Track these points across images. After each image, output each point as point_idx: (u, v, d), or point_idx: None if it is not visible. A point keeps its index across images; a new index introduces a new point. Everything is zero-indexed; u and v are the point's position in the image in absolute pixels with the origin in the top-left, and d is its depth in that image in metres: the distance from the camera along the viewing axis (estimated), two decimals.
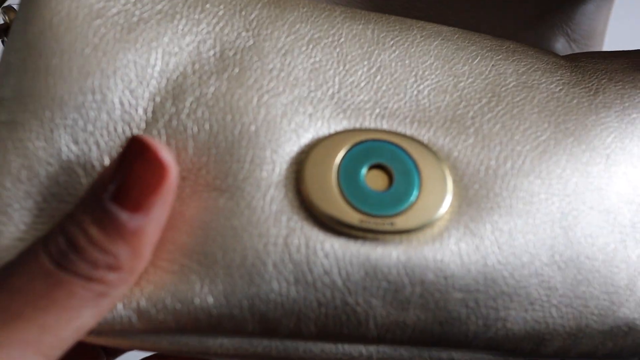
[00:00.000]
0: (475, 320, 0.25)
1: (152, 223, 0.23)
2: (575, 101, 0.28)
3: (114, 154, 0.25)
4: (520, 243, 0.25)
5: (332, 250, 0.24)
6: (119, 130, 0.25)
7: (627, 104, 0.28)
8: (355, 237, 0.24)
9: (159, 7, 0.26)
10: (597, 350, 0.27)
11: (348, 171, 0.25)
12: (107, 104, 0.25)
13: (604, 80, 0.29)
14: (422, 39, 0.28)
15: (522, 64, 0.28)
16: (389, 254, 0.24)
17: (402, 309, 0.25)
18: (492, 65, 0.28)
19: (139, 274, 0.24)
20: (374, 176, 0.25)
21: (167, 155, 0.23)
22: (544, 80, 0.28)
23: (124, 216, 0.22)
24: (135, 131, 0.25)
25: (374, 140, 0.25)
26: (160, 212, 0.23)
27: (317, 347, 0.26)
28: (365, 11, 0.29)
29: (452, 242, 0.25)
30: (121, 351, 0.33)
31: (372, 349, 0.26)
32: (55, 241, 0.23)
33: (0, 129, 0.24)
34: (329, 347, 0.26)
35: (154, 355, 0.32)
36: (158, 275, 0.24)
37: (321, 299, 0.24)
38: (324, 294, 0.24)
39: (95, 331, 0.24)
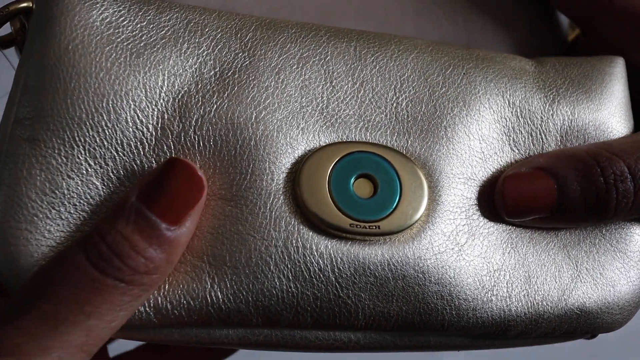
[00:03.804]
0: (449, 310, 0.29)
1: (186, 233, 0.26)
2: (530, 113, 0.32)
3: (128, 167, 0.28)
4: (479, 244, 0.30)
5: (326, 250, 0.28)
6: (132, 145, 0.28)
7: (577, 111, 0.32)
8: (345, 239, 0.28)
9: (163, 32, 0.29)
10: (554, 332, 0.31)
11: (338, 180, 0.28)
12: (121, 123, 0.28)
13: (562, 90, 0.32)
14: (399, 53, 0.31)
15: (491, 70, 0.32)
16: (375, 253, 0.28)
17: (386, 301, 0.28)
18: (464, 74, 0.31)
19: (165, 277, 0.27)
20: (360, 184, 0.28)
21: (202, 174, 0.27)
22: (509, 87, 0.32)
23: (164, 226, 0.25)
24: (146, 146, 0.28)
25: (360, 152, 0.29)
26: (193, 223, 0.26)
27: (311, 334, 0.29)
28: (347, 29, 0.32)
29: (428, 242, 0.29)
30: None
31: (359, 335, 0.30)
32: (98, 248, 0.25)
33: (22, 145, 0.27)
34: (322, 334, 0.29)
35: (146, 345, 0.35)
36: (173, 275, 0.27)
37: (317, 294, 0.28)
38: (319, 288, 0.28)
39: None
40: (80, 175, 0.27)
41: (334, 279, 0.28)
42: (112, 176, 0.28)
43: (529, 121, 0.31)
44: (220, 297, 0.27)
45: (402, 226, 0.28)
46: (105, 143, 0.27)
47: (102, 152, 0.27)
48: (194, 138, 0.28)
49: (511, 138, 0.31)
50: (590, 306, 0.31)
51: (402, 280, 0.28)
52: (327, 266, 0.28)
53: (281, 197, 0.28)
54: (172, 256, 0.26)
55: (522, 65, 0.33)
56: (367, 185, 0.29)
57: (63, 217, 0.27)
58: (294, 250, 0.28)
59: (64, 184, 0.27)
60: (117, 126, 0.28)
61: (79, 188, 0.27)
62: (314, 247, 0.28)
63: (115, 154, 0.28)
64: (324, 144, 0.29)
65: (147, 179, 0.26)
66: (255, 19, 0.31)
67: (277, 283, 0.27)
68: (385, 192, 0.28)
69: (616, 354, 0.53)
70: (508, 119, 0.31)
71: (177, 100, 0.28)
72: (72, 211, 0.27)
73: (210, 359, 0.36)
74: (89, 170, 0.27)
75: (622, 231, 0.32)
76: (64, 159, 0.27)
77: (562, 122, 0.32)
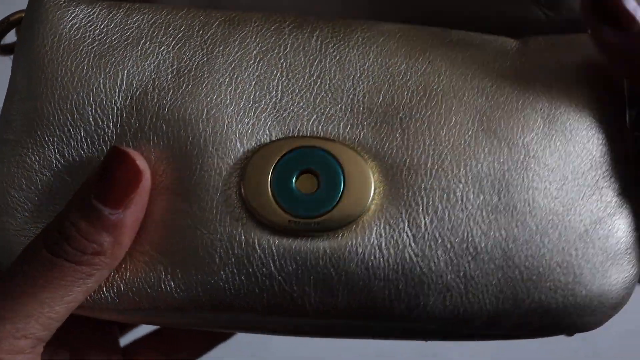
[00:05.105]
0: (398, 305, 0.28)
1: (130, 216, 0.28)
2: (503, 98, 0.29)
3: (94, 162, 0.30)
4: (435, 237, 0.28)
5: (267, 246, 0.28)
6: (95, 142, 0.30)
7: (554, 107, 0.29)
8: (287, 235, 0.28)
9: (127, 34, 0.30)
10: (518, 329, 0.29)
11: (280, 177, 0.28)
12: (84, 122, 0.29)
13: (542, 76, 0.30)
14: (363, 41, 0.30)
15: (460, 57, 0.30)
16: (316, 248, 0.28)
17: (331, 295, 0.28)
18: (429, 62, 0.30)
19: (120, 259, 0.29)
20: (305, 180, 0.28)
21: (142, 161, 0.28)
22: (478, 73, 0.30)
23: (106, 211, 0.27)
24: (108, 143, 0.29)
25: (304, 147, 0.28)
26: (138, 208, 0.28)
27: (272, 319, 0.30)
28: (314, 18, 0.31)
29: (373, 237, 0.28)
30: (132, 326, 0.38)
31: (320, 321, 0.30)
32: (51, 234, 0.28)
33: (6, 147, 0.30)
34: (284, 320, 0.30)
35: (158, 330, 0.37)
36: (133, 264, 0.29)
37: (262, 287, 0.28)
38: (263, 282, 0.28)
39: (87, 307, 0.29)
40: (52, 171, 0.30)
41: (276, 273, 0.28)
42: (80, 171, 0.30)
43: (502, 106, 0.29)
44: (173, 286, 0.29)
45: (343, 222, 0.28)
46: (72, 142, 0.30)
47: (69, 150, 0.30)
48: (149, 135, 0.29)
49: (484, 124, 0.29)
50: (554, 307, 0.28)
51: (345, 275, 0.28)
52: (269, 261, 0.28)
53: (227, 193, 0.29)
54: (119, 238, 0.28)
55: (503, 47, 0.30)
56: (311, 181, 0.28)
57: (38, 210, 0.29)
58: (237, 245, 0.28)
59: (38, 179, 0.30)
60: (81, 126, 0.29)
61: (51, 183, 0.30)
62: (256, 243, 0.28)
63: (81, 151, 0.30)
64: (274, 139, 0.29)
65: (96, 170, 0.28)
66: (220, 14, 0.31)
67: (223, 276, 0.28)
68: (327, 188, 0.28)
69: (616, 354, 0.49)
70: (479, 105, 0.29)
71: (134, 99, 0.30)
72: (46, 204, 0.30)
73: (210, 342, 0.37)
74: (59, 166, 0.30)
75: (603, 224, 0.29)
76: (37, 157, 0.30)
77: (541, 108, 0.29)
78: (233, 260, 0.28)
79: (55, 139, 0.29)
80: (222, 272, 0.28)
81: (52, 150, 0.30)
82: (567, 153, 0.29)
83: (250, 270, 0.28)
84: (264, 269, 0.28)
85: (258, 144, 0.29)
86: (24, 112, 0.30)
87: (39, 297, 0.27)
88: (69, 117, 0.29)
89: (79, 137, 0.29)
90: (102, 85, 0.30)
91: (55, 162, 0.30)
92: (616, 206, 0.29)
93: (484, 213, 0.28)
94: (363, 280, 0.28)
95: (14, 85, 0.31)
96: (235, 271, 0.28)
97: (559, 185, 0.29)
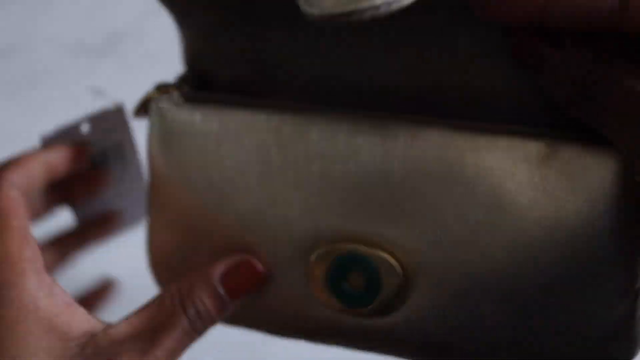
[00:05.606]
0: None
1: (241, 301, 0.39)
2: (514, 217, 0.35)
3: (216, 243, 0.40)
4: (455, 325, 0.36)
5: (325, 321, 0.39)
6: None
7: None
8: (340, 314, 0.38)
9: (222, 147, 0.38)
10: None
11: (334, 279, 0.37)
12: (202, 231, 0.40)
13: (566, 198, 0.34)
14: (405, 153, 0.35)
15: (486, 155, 0.35)
16: (359, 324, 0.38)
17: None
18: (462, 183, 0.35)
19: None
20: (353, 277, 0.37)
21: (260, 266, 0.38)
22: (496, 179, 0.35)
23: (227, 299, 0.38)
24: (222, 236, 0.39)
25: (348, 254, 0.37)
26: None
27: None
28: (367, 120, 0.36)
29: (403, 323, 0.37)
30: None
31: None
32: (190, 311, 0.37)
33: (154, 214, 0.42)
34: None
35: None
36: None
37: (316, 338, 0.40)
38: (318, 337, 0.40)
39: None
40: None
41: (328, 335, 0.40)
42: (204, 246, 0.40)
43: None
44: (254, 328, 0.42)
45: (382, 312, 0.37)
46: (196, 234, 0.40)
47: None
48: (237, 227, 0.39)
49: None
50: None
51: (380, 346, 0.38)
52: (324, 328, 0.39)
53: (295, 277, 0.38)
54: (228, 313, 0.39)
55: (527, 154, 0.34)
56: (358, 278, 0.37)
57: (176, 270, 0.42)
58: (303, 321, 0.39)
59: (175, 246, 0.42)
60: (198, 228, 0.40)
61: (182, 250, 0.41)
62: (317, 318, 0.39)
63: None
64: (328, 241, 0.37)
65: (226, 265, 0.38)
66: (290, 120, 0.36)
67: (291, 334, 0.40)
68: (368, 286, 0.37)
69: None
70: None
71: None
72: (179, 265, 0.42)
73: None
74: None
75: None
76: (171, 238, 0.41)
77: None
78: (299, 329, 0.39)
79: (182, 230, 0.40)
80: (289, 333, 0.40)
81: (181, 235, 0.40)
82: None
83: (310, 332, 0.40)
84: (318, 332, 0.39)
85: (316, 243, 0.37)
86: (161, 208, 0.41)
87: (171, 351, 0.37)
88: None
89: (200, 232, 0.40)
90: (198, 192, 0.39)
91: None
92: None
93: (498, 309, 0.35)
94: (396, 350, 0.38)
95: (151, 176, 0.41)
96: (298, 330, 0.40)
97: None
